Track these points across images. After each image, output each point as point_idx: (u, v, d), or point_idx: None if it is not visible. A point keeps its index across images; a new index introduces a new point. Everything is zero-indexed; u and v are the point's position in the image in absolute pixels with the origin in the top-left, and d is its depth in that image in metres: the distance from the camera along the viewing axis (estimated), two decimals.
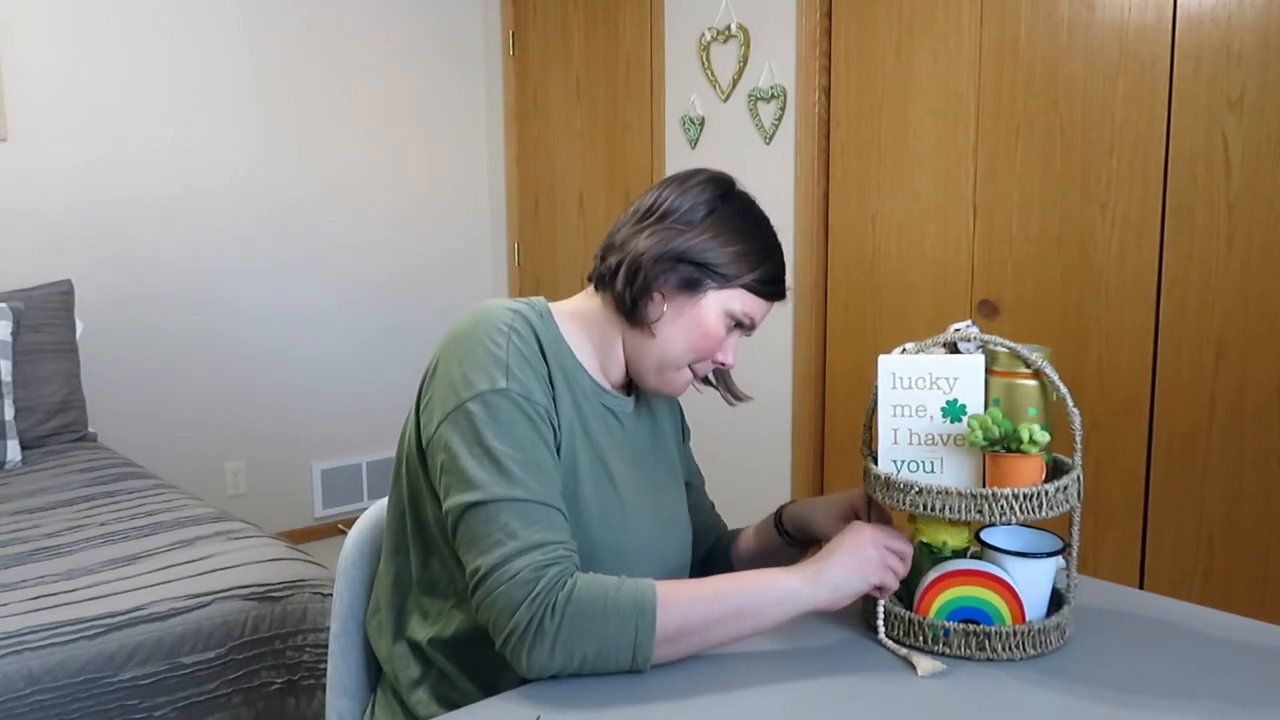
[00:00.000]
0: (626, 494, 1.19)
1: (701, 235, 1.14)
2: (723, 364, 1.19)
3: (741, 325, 1.18)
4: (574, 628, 1.00)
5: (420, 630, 1.16)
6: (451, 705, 1.12)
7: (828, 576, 1.08)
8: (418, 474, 1.14)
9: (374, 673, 1.30)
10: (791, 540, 1.34)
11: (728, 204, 1.17)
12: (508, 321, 1.11)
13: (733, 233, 1.15)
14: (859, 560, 1.09)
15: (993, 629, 1.09)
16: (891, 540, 1.11)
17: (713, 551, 1.41)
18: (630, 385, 1.25)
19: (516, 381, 1.07)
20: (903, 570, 1.11)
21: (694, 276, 1.14)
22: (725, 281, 1.14)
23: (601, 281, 1.19)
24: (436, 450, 1.08)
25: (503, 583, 1.01)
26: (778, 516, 1.36)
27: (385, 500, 1.33)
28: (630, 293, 1.14)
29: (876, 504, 1.20)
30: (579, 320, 1.20)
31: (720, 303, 1.15)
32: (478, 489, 1.04)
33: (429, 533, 1.15)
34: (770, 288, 1.18)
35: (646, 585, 1.03)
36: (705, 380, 1.25)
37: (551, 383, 1.12)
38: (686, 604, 1.03)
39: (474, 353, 1.09)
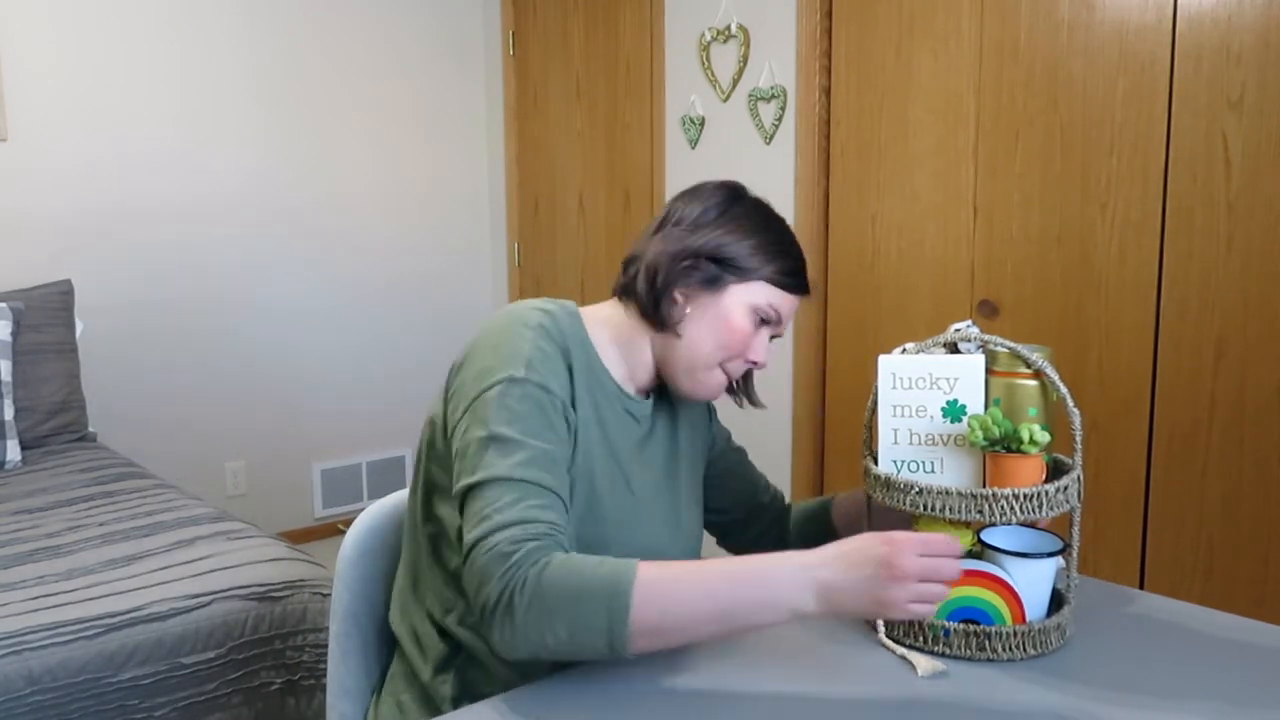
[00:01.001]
0: (642, 495, 1.21)
1: (716, 231, 1.17)
2: (755, 363, 1.19)
3: (768, 321, 1.19)
4: (543, 607, 0.97)
5: (444, 615, 1.17)
6: (478, 687, 1.13)
7: (839, 601, 0.96)
8: (437, 461, 1.16)
9: (375, 673, 1.30)
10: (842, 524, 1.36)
11: (740, 204, 1.20)
12: (536, 320, 1.13)
13: (748, 228, 1.18)
14: (876, 598, 0.95)
15: (993, 629, 1.08)
16: (936, 568, 0.96)
17: (772, 528, 1.43)
18: (652, 391, 1.27)
19: (535, 372, 1.09)
20: (939, 595, 0.96)
21: (713, 273, 1.16)
22: (745, 275, 1.16)
23: (625, 292, 1.22)
24: (456, 440, 1.10)
25: (481, 555, 1.01)
26: (826, 511, 1.38)
27: (384, 501, 1.34)
28: (652, 295, 1.17)
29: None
30: (606, 326, 1.22)
31: (743, 297, 1.16)
32: (480, 470, 1.05)
33: (442, 523, 1.16)
34: (792, 279, 1.19)
35: (626, 567, 0.98)
36: (730, 388, 1.27)
37: (572, 382, 1.13)
38: (669, 596, 0.97)
39: (500, 346, 1.11)
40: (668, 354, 1.19)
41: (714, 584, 0.98)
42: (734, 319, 1.16)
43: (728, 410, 1.37)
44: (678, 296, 1.17)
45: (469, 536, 1.03)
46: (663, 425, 1.27)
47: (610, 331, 1.21)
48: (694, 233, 1.17)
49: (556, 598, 0.97)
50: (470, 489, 1.06)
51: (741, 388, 1.29)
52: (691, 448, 1.33)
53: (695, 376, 1.19)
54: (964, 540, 1.15)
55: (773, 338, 1.21)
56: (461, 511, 1.07)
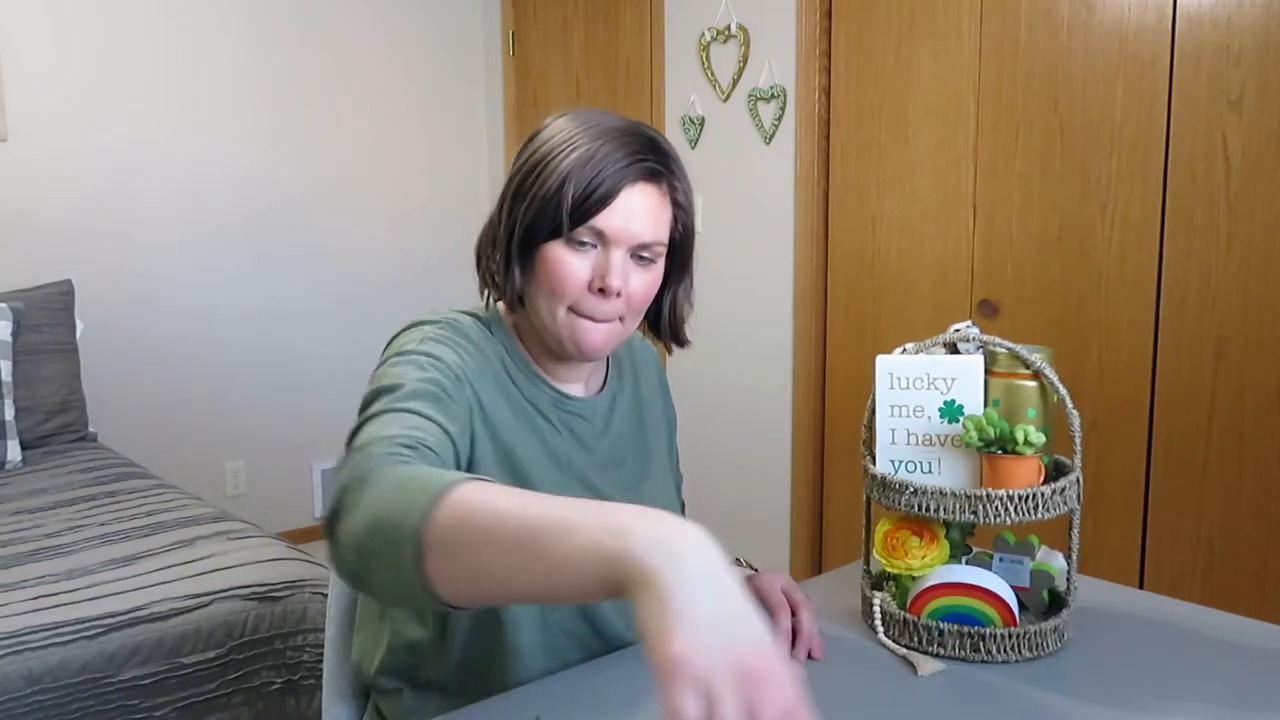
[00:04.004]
0: (609, 494, 1.16)
1: (504, 209, 1.11)
2: (604, 290, 1.05)
3: (595, 246, 1.06)
4: (355, 540, 0.79)
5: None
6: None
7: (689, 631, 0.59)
8: None
9: None
10: None
11: (523, 153, 1.11)
12: (440, 318, 1.11)
13: (529, 185, 1.07)
14: (740, 664, 0.59)
15: (987, 631, 1.08)
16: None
17: None
18: (604, 384, 1.22)
19: (427, 345, 1.05)
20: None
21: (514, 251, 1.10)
22: (543, 237, 1.06)
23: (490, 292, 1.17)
24: None
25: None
26: None
27: None
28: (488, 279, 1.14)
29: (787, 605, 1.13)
30: (524, 332, 1.16)
31: (552, 250, 1.06)
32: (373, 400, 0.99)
33: None
34: (584, 209, 1.03)
35: (426, 500, 0.74)
36: (656, 331, 1.19)
37: (486, 379, 1.08)
38: (466, 549, 0.71)
39: (390, 347, 1.08)
40: (533, 322, 1.12)
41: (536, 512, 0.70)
42: (549, 263, 1.06)
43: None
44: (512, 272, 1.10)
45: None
46: (623, 416, 1.22)
47: (527, 334, 1.15)
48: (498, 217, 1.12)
49: (363, 529, 0.78)
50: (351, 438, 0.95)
51: (660, 329, 1.19)
52: (659, 431, 1.28)
53: (557, 332, 1.09)
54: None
55: (642, 256, 1.07)
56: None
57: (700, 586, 0.60)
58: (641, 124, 1.10)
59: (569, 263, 1.05)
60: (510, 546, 0.68)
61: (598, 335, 1.08)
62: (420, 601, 0.74)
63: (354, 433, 0.96)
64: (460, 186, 4.18)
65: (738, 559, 1.28)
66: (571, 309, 1.07)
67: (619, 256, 1.06)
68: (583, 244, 1.05)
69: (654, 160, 1.06)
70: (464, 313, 1.15)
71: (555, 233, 1.05)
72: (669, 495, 1.28)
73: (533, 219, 1.05)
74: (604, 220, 1.04)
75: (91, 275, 3.30)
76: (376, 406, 0.97)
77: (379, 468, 0.83)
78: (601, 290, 1.05)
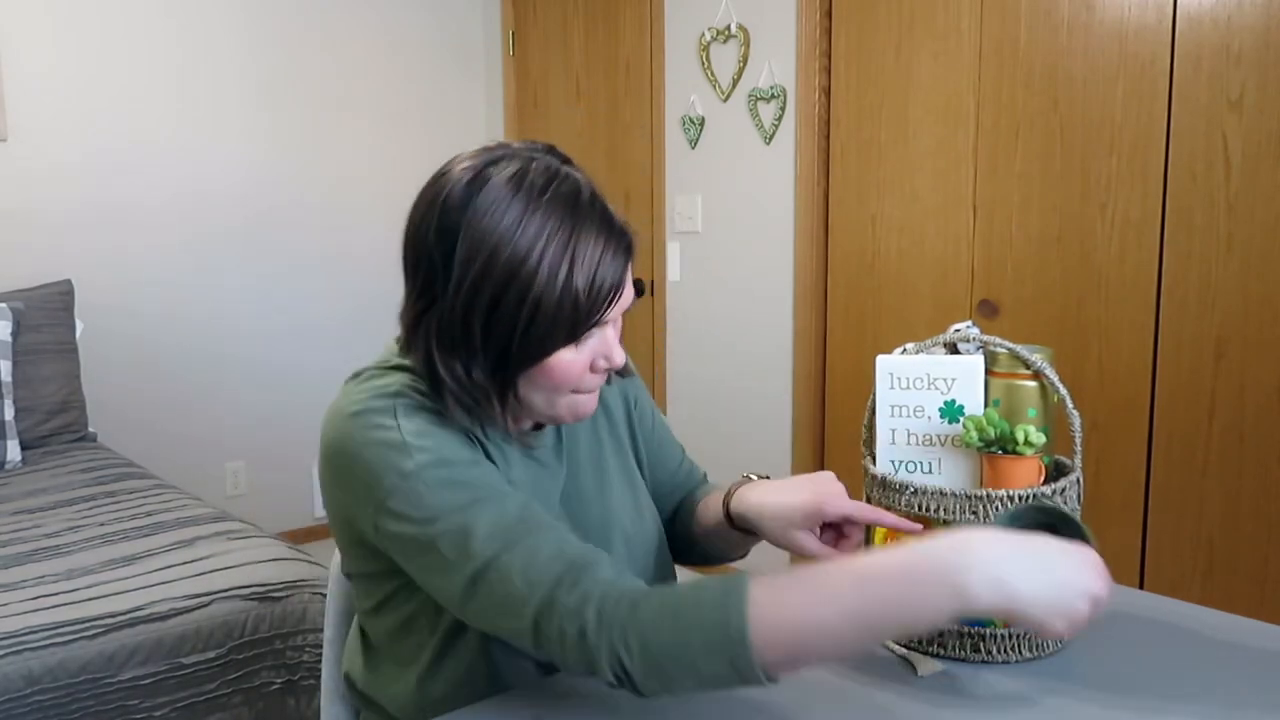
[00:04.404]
0: (583, 514, 1.13)
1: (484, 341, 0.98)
2: (612, 369, 1.05)
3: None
4: (660, 674, 0.88)
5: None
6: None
7: (1011, 593, 0.85)
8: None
9: None
10: (743, 530, 1.19)
11: (469, 250, 0.96)
12: (392, 391, 1.03)
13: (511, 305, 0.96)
14: (1061, 607, 0.86)
15: (987, 631, 1.08)
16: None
17: (677, 511, 1.30)
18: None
19: (424, 452, 0.97)
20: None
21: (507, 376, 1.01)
22: (539, 358, 0.99)
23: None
24: (384, 543, 1.00)
25: (555, 640, 0.90)
26: (726, 500, 1.20)
27: None
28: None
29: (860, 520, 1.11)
30: None
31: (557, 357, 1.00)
32: (466, 560, 0.93)
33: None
34: (589, 315, 0.97)
35: (736, 604, 0.86)
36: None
37: (476, 437, 1.03)
38: (793, 626, 0.86)
39: (362, 454, 0.98)
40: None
41: (851, 607, 0.86)
42: (555, 371, 1.00)
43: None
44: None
45: (520, 626, 0.92)
46: (580, 435, 1.17)
47: None
48: (461, 343, 0.98)
49: (668, 659, 0.87)
50: (469, 582, 0.93)
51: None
52: (622, 439, 1.23)
53: (555, 416, 1.05)
54: None
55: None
56: (465, 606, 0.96)
57: (1037, 585, 0.85)
58: (579, 180, 1.00)
59: (577, 362, 1.00)
60: (849, 638, 0.87)
61: (594, 401, 1.07)
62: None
63: (468, 585, 0.93)
64: None
65: (746, 475, 1.22)
66: (573, 391, 1.03)
67: (615, 332, 1.04)
68: (587, 336, 1.01)
69: (626, 233, 1.01)
70: (388, 370, 1.09)
71: (562, 343, 0.98)
72: (630, 496, 1.21)
73: (534, 341, 0.97)
74: (610, 311, 1.00)
75: (91, 275, 3.30)
76: (486, 552, 0.93)
77: (632, 605, 0.89)
78: (606, 371, 1.04)
